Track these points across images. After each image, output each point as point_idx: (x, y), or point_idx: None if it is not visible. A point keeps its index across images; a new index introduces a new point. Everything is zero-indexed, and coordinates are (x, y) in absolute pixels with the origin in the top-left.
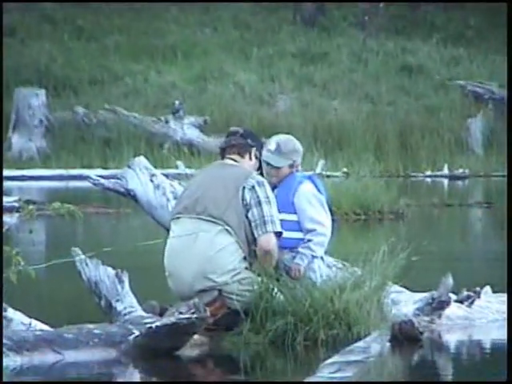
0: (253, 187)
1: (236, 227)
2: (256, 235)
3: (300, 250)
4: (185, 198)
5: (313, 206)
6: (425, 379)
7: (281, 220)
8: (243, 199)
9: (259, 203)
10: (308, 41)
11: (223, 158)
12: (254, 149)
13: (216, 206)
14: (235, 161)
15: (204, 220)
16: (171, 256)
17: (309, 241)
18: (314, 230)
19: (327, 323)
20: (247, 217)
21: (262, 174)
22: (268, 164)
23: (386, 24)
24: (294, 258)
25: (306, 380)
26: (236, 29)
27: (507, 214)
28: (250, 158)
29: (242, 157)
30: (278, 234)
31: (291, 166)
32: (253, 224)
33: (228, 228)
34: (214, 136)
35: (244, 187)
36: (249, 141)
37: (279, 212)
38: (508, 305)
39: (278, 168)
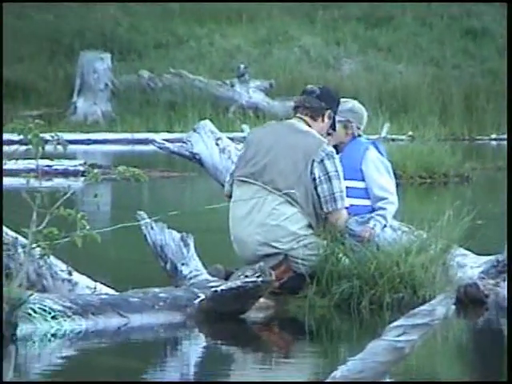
0: (322, 160)
1: (303, 202)
2: (325, 210)
3: (375, 217)
4: (251, 160)
5: (381, 173)
6: (490, 342)
7: (347, 187)
8: (312, 172)
9: (329, 179)
10: (372, 4)
11: (295, 114)
12: (329, 111)
13: (284, 179)
14: (306, 122)
15: (270, 191)
16: (235, 222)
17: (382, 209)
18: (386, 198)
19: (392, 286)
20: (316, 190)
21: (334, 129)
22: None
23: None
24: (358, 223)
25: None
26: None
27: (507, 211)
28: (323, 120)
29: (315, 120)
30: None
31: (346, 127)
32: (322, 199)
33: (294, 202)
34: (279, 99)
35: (314, 160)
36: (323, 104)
37: (345, 179)
38: (508, 305)
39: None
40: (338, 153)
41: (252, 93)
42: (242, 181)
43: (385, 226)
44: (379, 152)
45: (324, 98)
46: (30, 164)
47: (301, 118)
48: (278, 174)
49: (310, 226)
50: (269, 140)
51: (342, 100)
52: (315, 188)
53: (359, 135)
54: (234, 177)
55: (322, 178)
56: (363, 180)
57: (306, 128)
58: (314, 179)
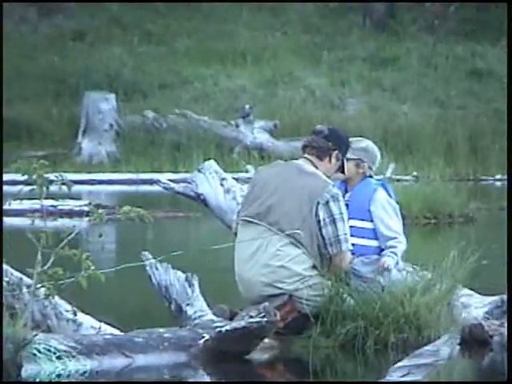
0: (327, 202)
1: (308, 243)
2: (330, 252)
3: (388, 252)
4: (257, 200)
5: (389, 215)
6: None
7: (353, 226)
8: (317, 214)
9: (333, 221)
10: (377, 45)
11: (303, 154)
12: (336, 152)
13: (289, 221)
14: (313, 163)
15: (275, 232)
16: (240, 262)
17: (392, 246)
18: (396, 237)
19: (397, 327)
20: (321, 232)
21: (343, 172)
22: None
23: (456, 27)
24: (364, 263)
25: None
26: (305, 33)
27: (507, 216)
28: (330, 161)
29: (321, 159)
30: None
31: (358, 166)
32: (327, 241)
33: (298, 244)
34: (284, 140)
35: (318, 202)
36: (330, 144)
37: (353, 218)
38: (508, 304)
39: None
40: (346, 189)
41: (257, 133)
42: (248, 221)
43: (396, 262)
44: (388, 193)
45: (332, 139)
46: (35, 204)
47: (307, 159)
48: (284, 215)
49: (314, 266)
50: (275, 180)
51: (356, 139)
52: (320, 230)
53: (370, 176)
54: (239, 216)
55: (327, 220)
56: (371, 221)
57: (312, 169)
58: (319, 221)
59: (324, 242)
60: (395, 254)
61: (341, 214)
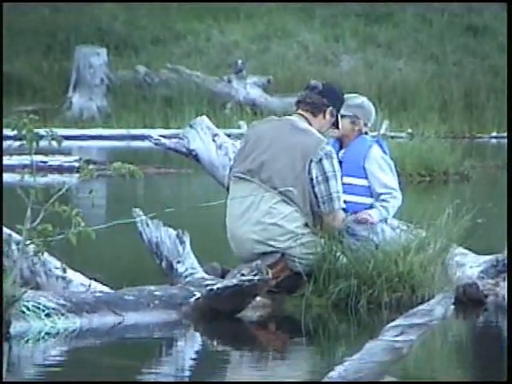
0: (320, 160)
1: (300, 201)
2: (322, 210)
3: (376, 205)
4: (249, 156)
5: (384, 171)
6: (489, 343)
7: (348, 184)
8: (309, 172)
9: (326, 179)
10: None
11: (297, 110)
12: (331, 108)
13: (282, 178)
14: (307, 119)
15: (267, 189)
16: (232, 220)
17: (384, 201)
18: (389, 193)
19: (391, 286)
20: (313, 190)
21: (337, 128)
22: None
23: None
24: (358, 221)
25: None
26: None
27: (507, 210)
28: (324, 117)
29: (315, 116)
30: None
31: (353, 123)
32: (319, 200)
33: (290, 201)
34: (277, 96)
35: (311, 160)
36: (325, 100)
37: (347, 175)
38: (508, 304)
39: None
40: (341, 146)
41: (249, 89)
42: (239, 178)
43: (386, 219)
44: (383, 150)
45: (326, 95)
46: (25, 160)
47: (301, 115)
48: (276, 172)
49: (307, 224)
50: (268, 137)
51: (351, 95)
52: (312, 188)
53: (366, 132)
54: (231, 172)
55: (320, 178)
56: (366, 178)
57: (306, 126)
58: (312, 179)
59: (316, 200)
60: (384, 208)
61: (334, 171)
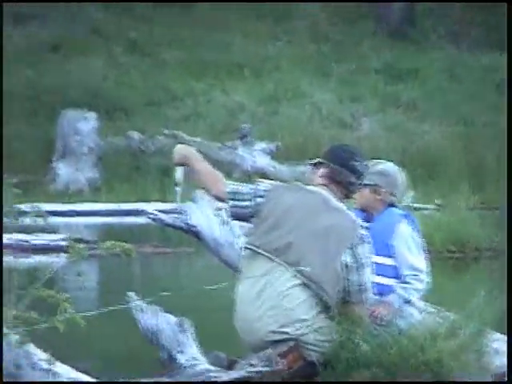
0: (355, 246)
1: (330, 289)
2: (348, 299)
3: (397, 289)
4: (273, 231)
5: (412, 252)
6: None
7: (375, 263)
8: (342, 258)
9: (359, 267)
10: (393, 55)
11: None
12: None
13: (311, 261)
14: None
15: (293, 273)
16: (245, 300)
17: (407, 282)
18: (415, 275)
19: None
20: (344, 277)
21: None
22: None
23: (482, 35)
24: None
25: None
26: (312, 42)
27: (507, 220)
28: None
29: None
30: None
31: (375, 192)
32: (351, 288)
33: (315, 287)
34: (287, 164)
35: (346, 246)
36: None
37: (374, 254)
38: (508, 305)
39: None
40: (366, 218)
41: (257, 156)
42: (260, 253)
43: (408, 301)
44: (413, 226)
45: (325, 156)
46: (6, 238)
47: (323, 185)
48: (306, 255)
49: (323, 310)
50: (297, 213)
51: (374, 161)
52: (344, 275)
53: (393, 204)
54: (248, 243)
55: (353, 266)
56: (390, 256)
57: (338, 204)
58: (345, 266)
59: (345, 289)
60: (405, 290)
61: (367, 258)
